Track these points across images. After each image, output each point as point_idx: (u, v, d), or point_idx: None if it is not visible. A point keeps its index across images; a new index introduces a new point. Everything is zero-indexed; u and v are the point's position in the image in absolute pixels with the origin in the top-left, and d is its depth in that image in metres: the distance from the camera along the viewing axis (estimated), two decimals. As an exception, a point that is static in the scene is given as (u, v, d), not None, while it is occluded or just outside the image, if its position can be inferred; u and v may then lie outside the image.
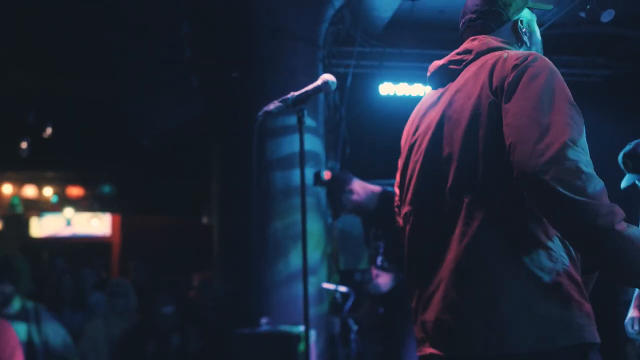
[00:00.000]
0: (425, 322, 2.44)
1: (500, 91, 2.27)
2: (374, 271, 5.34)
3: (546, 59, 2.31)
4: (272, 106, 3.20)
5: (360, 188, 5.55)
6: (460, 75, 2.52)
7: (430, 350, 2.40)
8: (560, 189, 2.01)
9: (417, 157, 2.57)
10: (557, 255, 2.22)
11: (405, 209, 2.63)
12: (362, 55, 7.67)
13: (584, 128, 2.18)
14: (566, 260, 2.23)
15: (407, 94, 8.04)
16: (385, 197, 5.48)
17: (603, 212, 2.00)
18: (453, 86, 2.52)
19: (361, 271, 7.34)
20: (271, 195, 6.46)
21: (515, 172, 2.14)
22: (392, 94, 7.99)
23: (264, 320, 5.96)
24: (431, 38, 7.99)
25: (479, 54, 2.51)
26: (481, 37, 2.60)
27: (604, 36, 8.10)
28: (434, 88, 2.69)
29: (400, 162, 2.74)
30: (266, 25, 6.68)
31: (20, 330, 5.11)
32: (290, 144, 6.50)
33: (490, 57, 2.43)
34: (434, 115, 2.53)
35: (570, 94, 2.23)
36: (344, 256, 7.54)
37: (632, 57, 8.62)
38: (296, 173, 6.36)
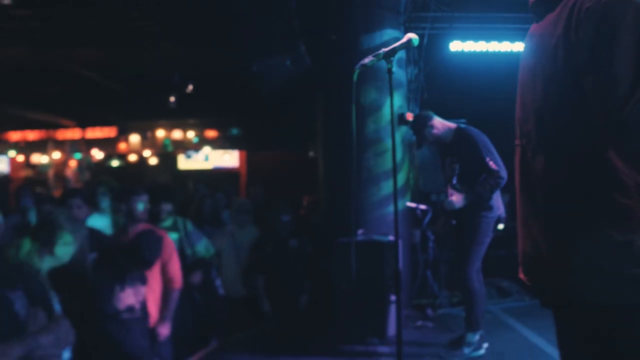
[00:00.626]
0: (523, 249, 2.05)
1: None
2: (450, 190, 5.24)
3: None
4: (367, 60, 3.19)
5: (439, 124, 5.47)
6: None
7: (521, 276, 2.09)
8: None
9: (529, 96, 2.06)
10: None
11: (517, 141, 2.13)
12: (435, 19, 7.46)
13: None
14: None
15: (473, 50, 7.84)
16: (459, 132, 5.38)
17: None
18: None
19: (437, 193, 7.30)
20: (365, 134, 6.39)
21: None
22: (460, 50, 7.81)
23: (360, 232, 5.97)
24: (491, 3, 7.72)
25: None
26: None
27: None
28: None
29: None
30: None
31: (173, 238, 5.26)
32: (380, 91, 6.41)
33: None
34: (534, 62, 2.04)
35: None
36: (423, 180, 7.43)
37: None
38: (386, 113, 6.30)
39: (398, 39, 3.32)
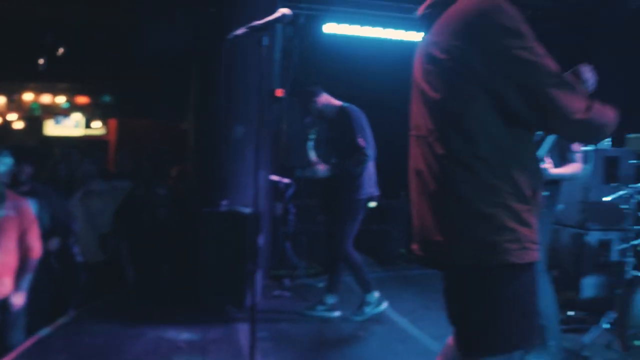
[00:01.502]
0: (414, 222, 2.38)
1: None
2: (315, 159, 5.68)
3: None
4: (239, 31, 3.24)
5: (324, 99, 5.80)
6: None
7: (414, 246, 2.38)
8: None
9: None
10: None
11: (413, 132, 2.40)
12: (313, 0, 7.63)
13: None
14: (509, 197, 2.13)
15: (346, 33, 8.05)
16: (341, 110, 5.70)
17: None
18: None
19: (301, 167, 7.55)
20: (235, 105, 6.41)
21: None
22: (333, 32, 7.99)
23: (224, 203, 6.11)
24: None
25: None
26: None
27: None
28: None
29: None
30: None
31: (32, 204, 5.08)
32: (251, 66, 6.50)
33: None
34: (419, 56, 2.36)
35: None
36: (288, 154, 7.67)
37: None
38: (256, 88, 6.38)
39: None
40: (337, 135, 5.66)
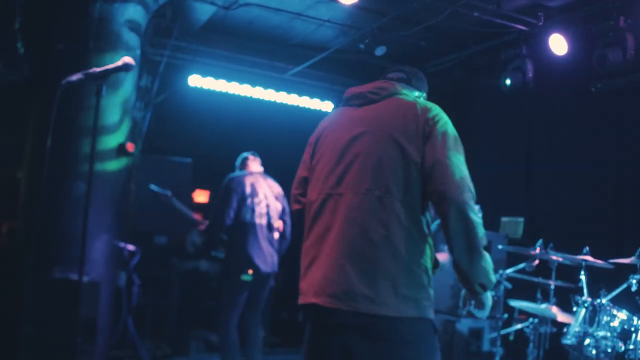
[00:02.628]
0: (314, 278, 2.55)
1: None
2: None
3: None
4: (74, 77, 3.10)
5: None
6: (381, 103, 2.73)
7: (312, 299, 2.53)
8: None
9: (350, 156, 2.64)
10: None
11: (317, 194, 2.69)
12: (178, 48, 7.21)
13: None
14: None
15: (212, 88, 7.81)
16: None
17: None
18: (374, 109, 2.72)
19: (155, 232, 7.21)
20: (77, 159, 5.76)
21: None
22: (199, 86, 7.69)
23: (57, 268, 5.43)
24: (240, 44, 7.74)
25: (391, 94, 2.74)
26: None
27: (379, 67, 8.07)
28: (352, 106, 2.83)
29: (319, 156, 2.79)
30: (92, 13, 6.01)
31: None
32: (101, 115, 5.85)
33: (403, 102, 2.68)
34: (361, 127, 2.67)
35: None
36: (138, 218, 7.07)
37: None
38: (102, 140, 5.77)
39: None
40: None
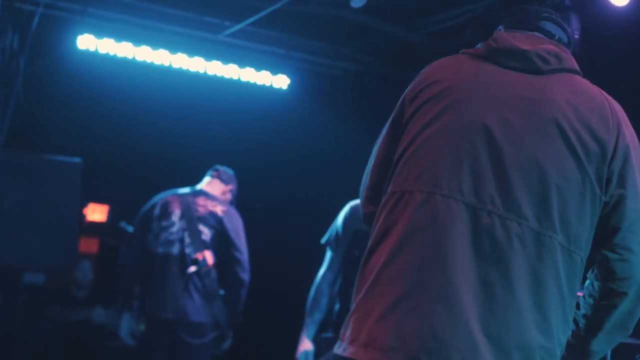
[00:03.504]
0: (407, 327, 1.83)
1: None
2: None
3: None
4: None
5: None
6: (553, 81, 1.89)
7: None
8: None
9: (481, 144, 1.80)
10: None
11: (435, 190, 1.80)
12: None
13: None
14: None
15: (112, 54, 6.10)
16: None
17: None
18: (541, 86, 1.86)
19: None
20: None
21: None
22: (92, 49, 6.04)
23: None
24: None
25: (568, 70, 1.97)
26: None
27: (353, 24, 6.41)
28: (501, 66, 1.94)
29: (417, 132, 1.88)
30: None
31: None
32: None
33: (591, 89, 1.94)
34: (524, 111, 1.82)
35: None
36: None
37: (376, 52, 7.05)
38: None
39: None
40: None
